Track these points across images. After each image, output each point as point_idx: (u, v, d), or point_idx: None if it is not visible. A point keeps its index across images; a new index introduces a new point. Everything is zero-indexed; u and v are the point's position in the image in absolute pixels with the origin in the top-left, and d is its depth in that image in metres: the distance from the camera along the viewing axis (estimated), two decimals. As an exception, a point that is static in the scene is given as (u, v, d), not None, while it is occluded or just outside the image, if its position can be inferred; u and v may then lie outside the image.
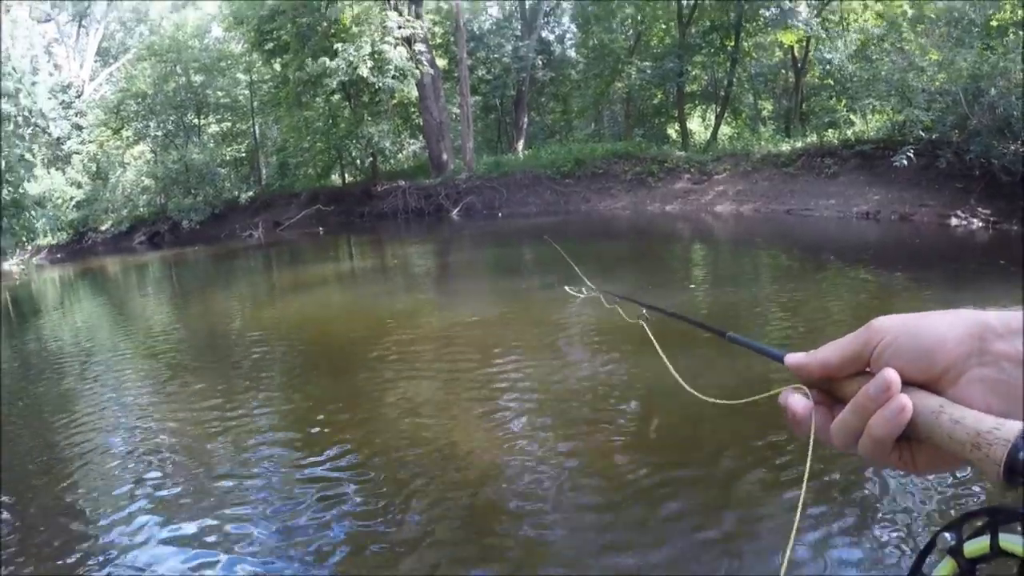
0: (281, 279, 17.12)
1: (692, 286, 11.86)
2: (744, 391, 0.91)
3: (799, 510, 0.84)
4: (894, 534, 4.02)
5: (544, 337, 8.54)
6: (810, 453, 0.72)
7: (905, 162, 17.18)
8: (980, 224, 15.74)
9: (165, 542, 4.39)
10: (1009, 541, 0.61)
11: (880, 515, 4.20)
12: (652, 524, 4.25)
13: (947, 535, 0.65)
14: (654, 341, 1.38)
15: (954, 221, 16.14)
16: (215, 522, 4.55)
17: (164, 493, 5.08)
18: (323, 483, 4.97)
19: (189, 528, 4.51)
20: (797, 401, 0.74)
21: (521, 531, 4.27)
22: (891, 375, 0.64)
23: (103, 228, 30.63)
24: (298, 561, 4.10)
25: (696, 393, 1.04)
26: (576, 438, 5.52)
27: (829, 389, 0.74)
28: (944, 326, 0.65)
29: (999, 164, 15.80)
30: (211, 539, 4.36)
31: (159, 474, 5.42)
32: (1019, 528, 0.61)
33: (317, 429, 6.05)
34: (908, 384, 0.65)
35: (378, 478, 5.01)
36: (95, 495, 5.20)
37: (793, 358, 0.76)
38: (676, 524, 4.27)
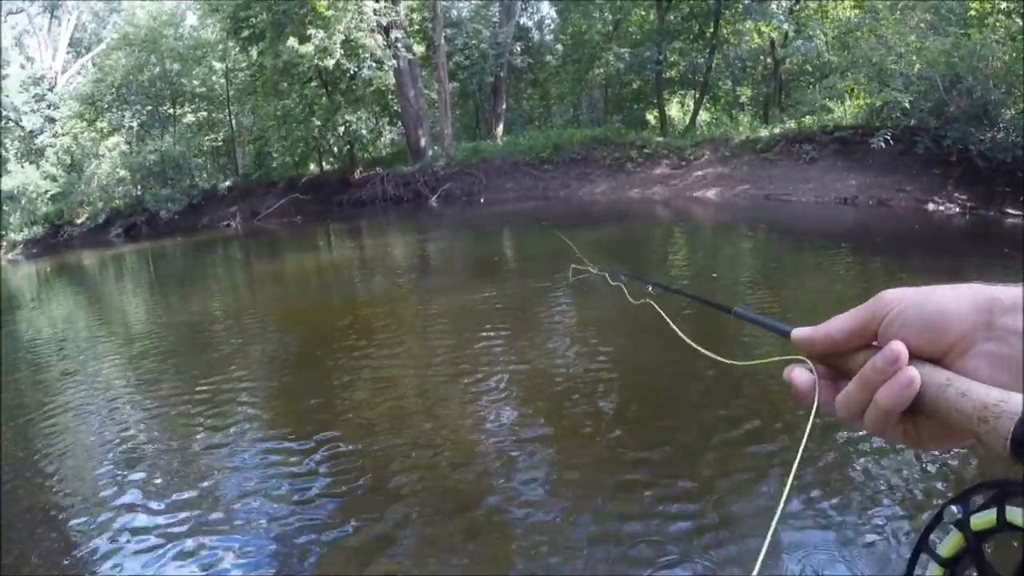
0: (260, 269, 16.98)
1: (681, 268, 11.92)
2: (747, 370, 0.92)
3: (792, 474, 0.82)
4: (898, 510, 4.03)
5: (529, 322, 8.51)
6: (810, 424, 0.73)
7: (883, 144, 17.21)
8: (958, 210, 15.86)
9: (146, 536, 4.34)
10: (1016, 515, 0.59)
11: (884, 491, 4.21)
12: (638, 507, 4.23)
13: (954, 508, 0.64)
14: (663, 315, 1.39)
15: (931, 206, 16.27)
16: (195, 516, 4.51)
17: (144, 487, 5.02)
18: (305, 475, 4.94)
19: (169, 522, 4.47)
20: (800, 374, 0.74)
21: (504, 520, 4.26)
22: (899, 347, 0.64)
23: (79, 221, 30.04)
24: (279, 555, 4.06)
25: (710, 354, 1.03)
26: (561, 422, 5.51)
27: (835, 364, 0.73)
28: (952, 299, 0.65)
29: (976, 150, 15.89)
30: (191, 534, 4.31)
31: (139, 468, 5.35)
32: None
33: (299, 419, 6.00)
34: (915, 357, 0.64)
35: (363, 467, 4.98)
36: (73, 494, 5.11)
37: (800, 332, 0.75)
38: (662, 505, 4.24)
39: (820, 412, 0.73)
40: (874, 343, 0.69)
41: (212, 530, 4.33)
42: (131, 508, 4.69)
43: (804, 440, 0.77)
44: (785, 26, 23.25)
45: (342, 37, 23.61)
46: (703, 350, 1.06)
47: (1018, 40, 16.16)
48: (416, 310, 10.00)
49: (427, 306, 10.12)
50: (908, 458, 4.49)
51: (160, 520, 4.48)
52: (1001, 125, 15.88)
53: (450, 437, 5.36)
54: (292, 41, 23.26)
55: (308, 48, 23.03)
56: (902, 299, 0.67)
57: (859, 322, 0.70)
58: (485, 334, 7.92)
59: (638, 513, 4.14)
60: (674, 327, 1.26)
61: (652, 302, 1.54)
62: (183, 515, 4.50)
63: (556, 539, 3.99)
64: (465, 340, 7.82)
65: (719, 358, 1.01)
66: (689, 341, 1.14)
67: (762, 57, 27.71)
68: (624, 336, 7.49)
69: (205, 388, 6.92)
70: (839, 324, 0.71)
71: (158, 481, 5.08)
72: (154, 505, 4.70)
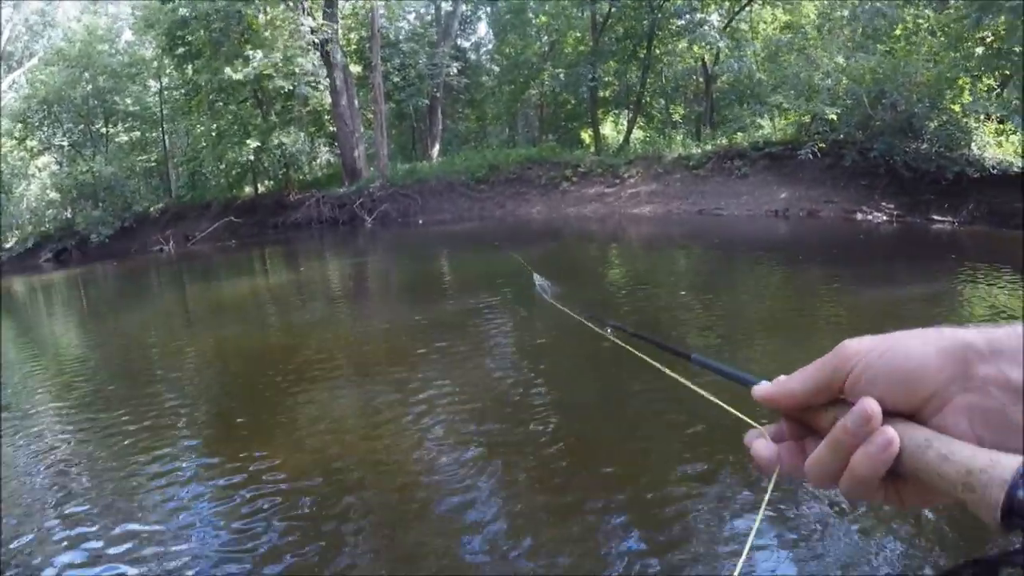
0: (195, 296, 16.45)
1: (622, 286, 11.87)
2: (706, 402, 0.86)
3: (750, 540, 0.70)
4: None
5: (469, 347, 8.32)
6: (768, 494, 0.69)
7: (811, 155, 17.77)
8: (885, 218, 16.28)
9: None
10: None
11: (862, 555, 3.83)
12: (585, 539, 4.08)
13: None
14: (635, 352, 1.33)
15: (859, 216, 16.71)
16: (138, 553, 4.24)
17: (83, 529, 4.65)
18: (246, 505, 4.69)
19: (112, 562, 4.20)
20: (761, 447, 0.67)
21: (451, 543, 4.11)
22: (871, 405, 0.57)
23: (7, 246, 29.11)
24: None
25: (690, 384, 1.03)
26: (504, 447, 5.35)
27: (800, 418, 0.67)
28: (921, 348, 0.59)
29: (901, 161, 16.28)
30: (134, 570, 4.07)
31: (76, 510, 4.95)
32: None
33: (239, 446, 5.71)
34: (888, 415, 0.58)
35: (303, 496, 4.78)
36: (9, 537, 4.75)
37: (760, 390, 0.68)
38: (611, 541, 4.08)
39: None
40: (842, 397, 0.62)
41: (154, 565, 4.09)
42: (68, 550, 4.39)
43: (763, 505, 0.64)
44: (720, 43, 23.53)
45: (280, 56, 23.35)
46: (682, 379, 1.05)
47: (941, 56, 16.60)
48: (354, 339, 9.76)
49: (366, 334, 9.91)
50: (892, 513, 4.09)
51: (100, 561, 4.21)
52: (925, 137, 16.44)
53: (392, 458, 5.23)
54: (228, 71, 22.93)
55: (245, 72, 22.73)
56: (867, 350, 0.61)
57: (823, 377, 0.63)
58: (427, 361, 7.73)
59: (583, 535, 4.01)
60: (647, 359, 1.23)
61: (618, 340, 1.51)
62: (124, 554, 4.24)
63: (500, 557, 3.86)
64: (407, 367, 7.61)
65: (698, 389, 0.97)
66: (667, 371, 1.12)
67: (694, 77, 28.07)
68: (566, 357, 7.40)
69: (142, 419, 6.60)
70: (801, 381, 0.65)
71: (95, 515, 4.77)
72: (91, 546, 4.40)
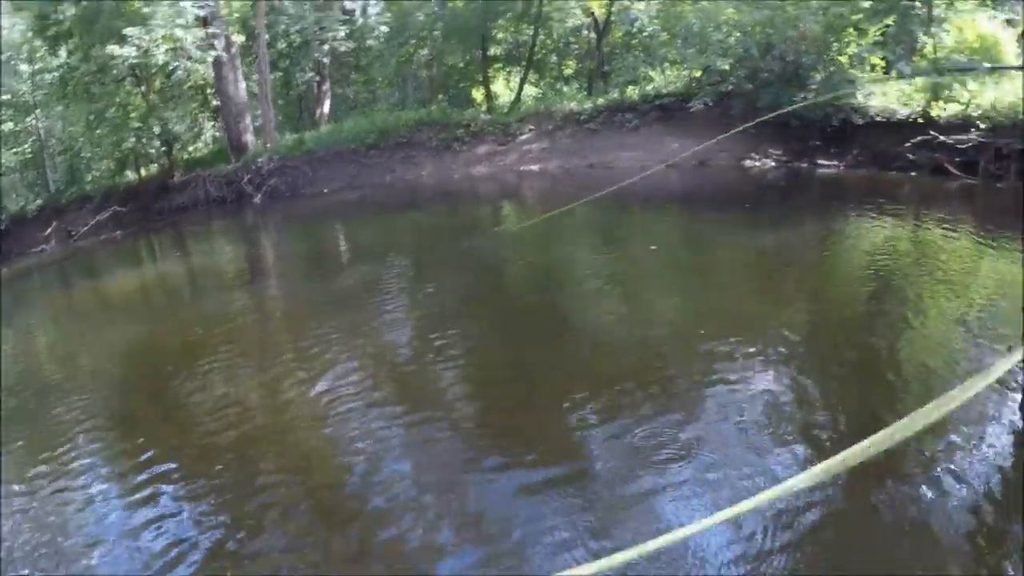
0: (82, 296, 15.57)
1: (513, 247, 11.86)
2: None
3: None
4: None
5: (369, 318, 8.19)
6: None
7: (702, 106, 18.00)
8: (773, 164, 16.82)
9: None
10: None
11: None
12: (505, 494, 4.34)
13: None
14: None
15: (748, 163, 17.07)
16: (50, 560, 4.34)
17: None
18: (161, 503, 4.76)
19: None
20: None
21: (369, 527, 4.20)
22: None
23: None
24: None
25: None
26: (416, 424, 5.44)
27: None
28: None
29: (789, 110, 16.42)
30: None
31: None
32: None
33: (145, 446, 5.81)
34: None
35: (218, 487, 4.84)
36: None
37: None
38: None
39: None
40: None
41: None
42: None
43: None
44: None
45: (162, 32, 22.08)
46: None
47: (828, 13, 16.95)
48: (254, 315, 9.51)
49: (265, 310, 9.67)
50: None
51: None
52: (811, 87, 16.74)
53: (300, 435, 5.33)
54: (112, 47, 21.52)
55: (129, 51, 21.43)
56: None
57: None
58: (326, 330, 7.71)
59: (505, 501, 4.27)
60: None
61: None
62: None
63: (425, 532, 4.02)
64: (308, 340, 7.69)
65: None
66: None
67: (585, 32, 27.78)
68: (471, 320, 7.19)
69: (39, 430, 6.35)
70: None
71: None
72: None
